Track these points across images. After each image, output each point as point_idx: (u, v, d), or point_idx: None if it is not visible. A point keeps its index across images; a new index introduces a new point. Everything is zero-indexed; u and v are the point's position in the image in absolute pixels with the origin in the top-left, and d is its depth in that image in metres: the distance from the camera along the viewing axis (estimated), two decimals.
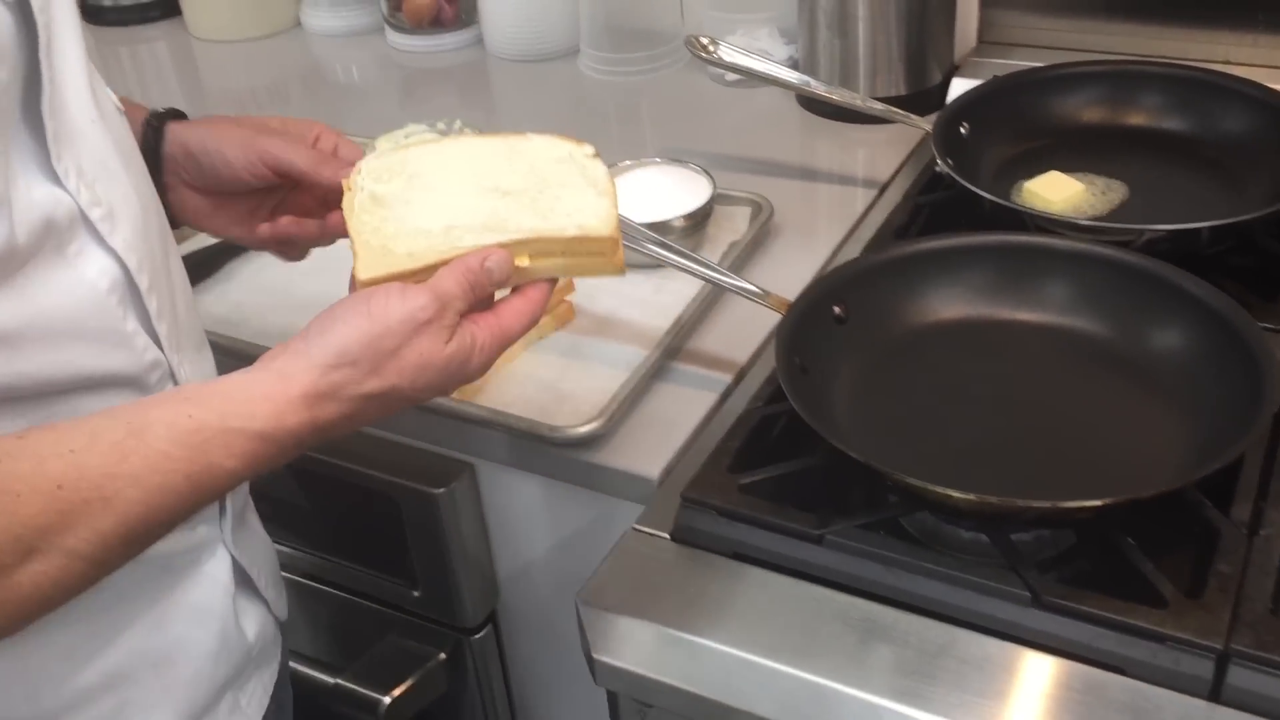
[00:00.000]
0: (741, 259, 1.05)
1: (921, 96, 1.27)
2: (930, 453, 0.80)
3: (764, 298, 0.89)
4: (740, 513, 0.76)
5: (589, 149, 0.76)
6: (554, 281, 0.76)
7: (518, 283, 0.74)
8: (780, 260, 1.07)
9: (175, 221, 0.83)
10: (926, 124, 1.10)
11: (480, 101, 1.50)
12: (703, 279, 0.92)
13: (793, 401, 0.77)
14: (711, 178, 1.08)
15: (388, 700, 1.03)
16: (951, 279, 0.91)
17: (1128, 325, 0.87)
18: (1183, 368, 0.83)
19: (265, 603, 0.82)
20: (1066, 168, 1.07)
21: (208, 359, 0.80)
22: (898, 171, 1.18)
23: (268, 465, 0.64)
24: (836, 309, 0.89)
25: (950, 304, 0.91)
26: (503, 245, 0.71)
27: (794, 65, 1.32)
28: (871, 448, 0.76)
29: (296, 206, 0.87)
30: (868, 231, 1.07)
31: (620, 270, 0.75)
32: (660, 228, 1.03)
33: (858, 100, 1.12)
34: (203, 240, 1.09)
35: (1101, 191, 1.05)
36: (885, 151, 1.21)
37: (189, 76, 1.63)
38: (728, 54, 1.12)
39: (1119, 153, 1.10)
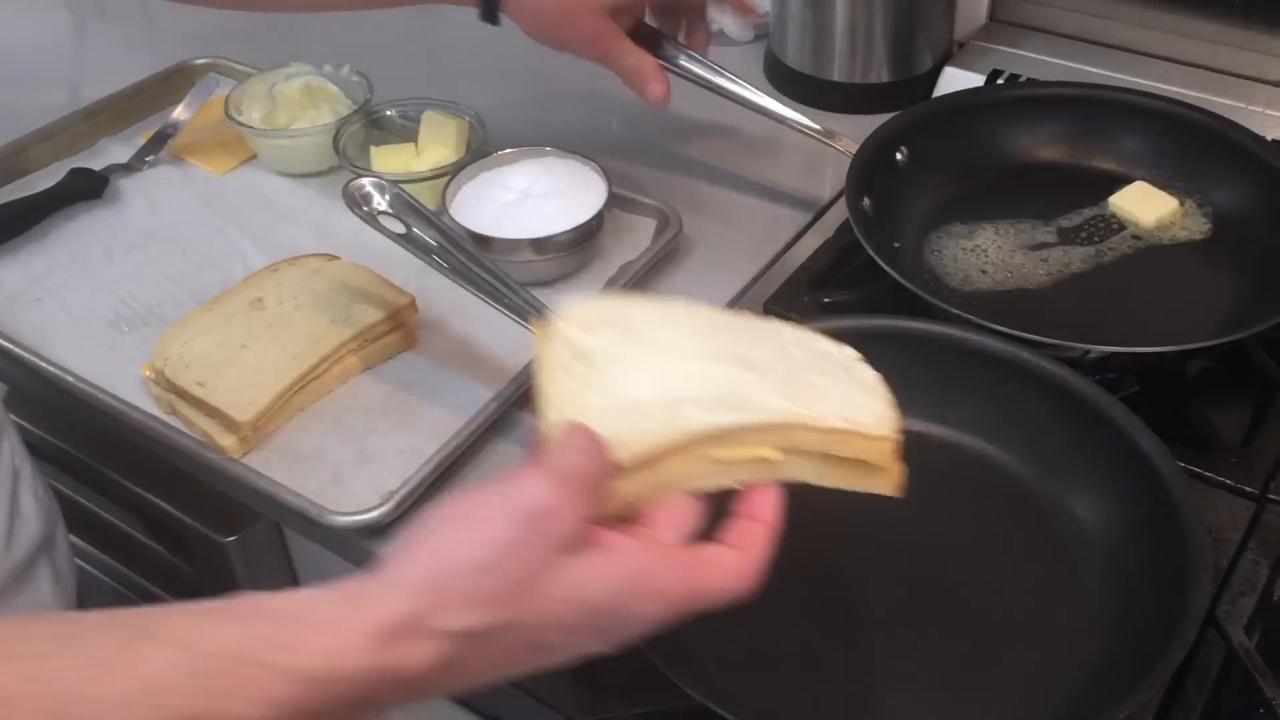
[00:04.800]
0: (634, 286, 0.89)
1: (905, 87, 1.09)
2: (775, 652, 0.64)
3: None
4: None
5: (852, 353, 0.60)
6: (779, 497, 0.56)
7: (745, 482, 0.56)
8: (682, 294, 0.90)
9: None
10: (852, 146, 0.91)
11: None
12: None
13: None
14: (608, 179, 0.92)
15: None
16: None
17: (1046, 465, 0.72)
18: (1102, 544, 0.68)
19: None
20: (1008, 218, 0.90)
21: None
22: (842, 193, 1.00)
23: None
24: None
25: None
26: (743, 429, 0.55)
27: (765, 34, 1.15)
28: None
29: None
30: (787, 268, 0.90)
31: (899, 489, 0.58)
32: (541, 244, 0.88)
33: (775, 106, 0.93)
34: None
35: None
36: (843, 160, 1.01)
37: None
38: None
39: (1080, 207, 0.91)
